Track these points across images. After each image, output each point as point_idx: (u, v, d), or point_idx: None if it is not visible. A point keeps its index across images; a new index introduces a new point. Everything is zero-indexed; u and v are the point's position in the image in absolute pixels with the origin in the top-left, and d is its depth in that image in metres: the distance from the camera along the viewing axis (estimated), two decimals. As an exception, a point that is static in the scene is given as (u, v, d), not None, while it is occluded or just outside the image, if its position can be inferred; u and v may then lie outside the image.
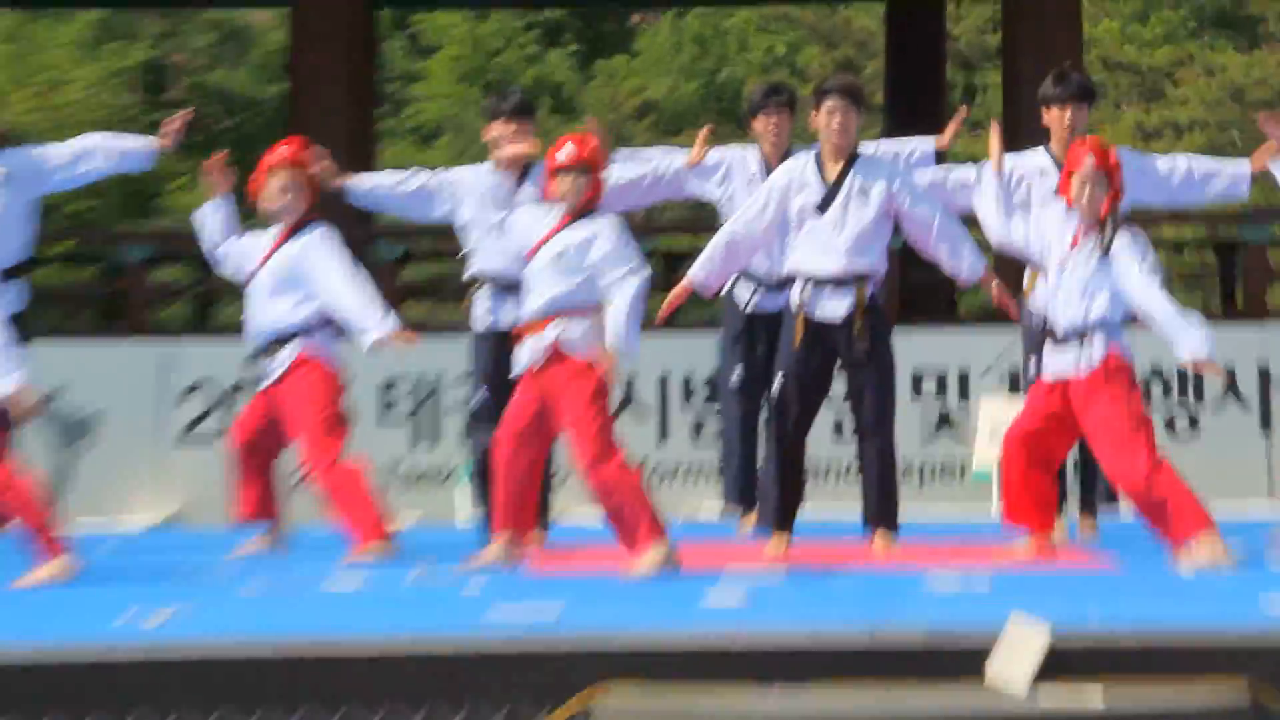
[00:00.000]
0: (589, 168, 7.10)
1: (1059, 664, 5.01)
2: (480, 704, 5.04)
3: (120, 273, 12.19)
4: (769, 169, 8.19)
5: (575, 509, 9.67)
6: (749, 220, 7.58)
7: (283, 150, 7.84)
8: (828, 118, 7.46)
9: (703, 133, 8.59)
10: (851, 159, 7.50)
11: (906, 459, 9.30)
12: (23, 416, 7.03)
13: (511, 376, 7.20)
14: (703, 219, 10.10)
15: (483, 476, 7.69)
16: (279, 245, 7.77)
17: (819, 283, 7.39)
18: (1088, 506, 8.16)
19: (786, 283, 7.60)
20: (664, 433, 10.51)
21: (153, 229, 22.38)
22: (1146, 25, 27.78)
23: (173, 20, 28.67)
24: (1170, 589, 6.33)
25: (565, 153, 7.09)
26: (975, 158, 17.67)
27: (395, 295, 11.80)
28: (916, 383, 10.47)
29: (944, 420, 10.52)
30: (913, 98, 17.46)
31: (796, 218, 7.49)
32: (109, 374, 10.56)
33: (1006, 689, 4.98)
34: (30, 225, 7.88)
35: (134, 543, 8.66)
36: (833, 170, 7.49)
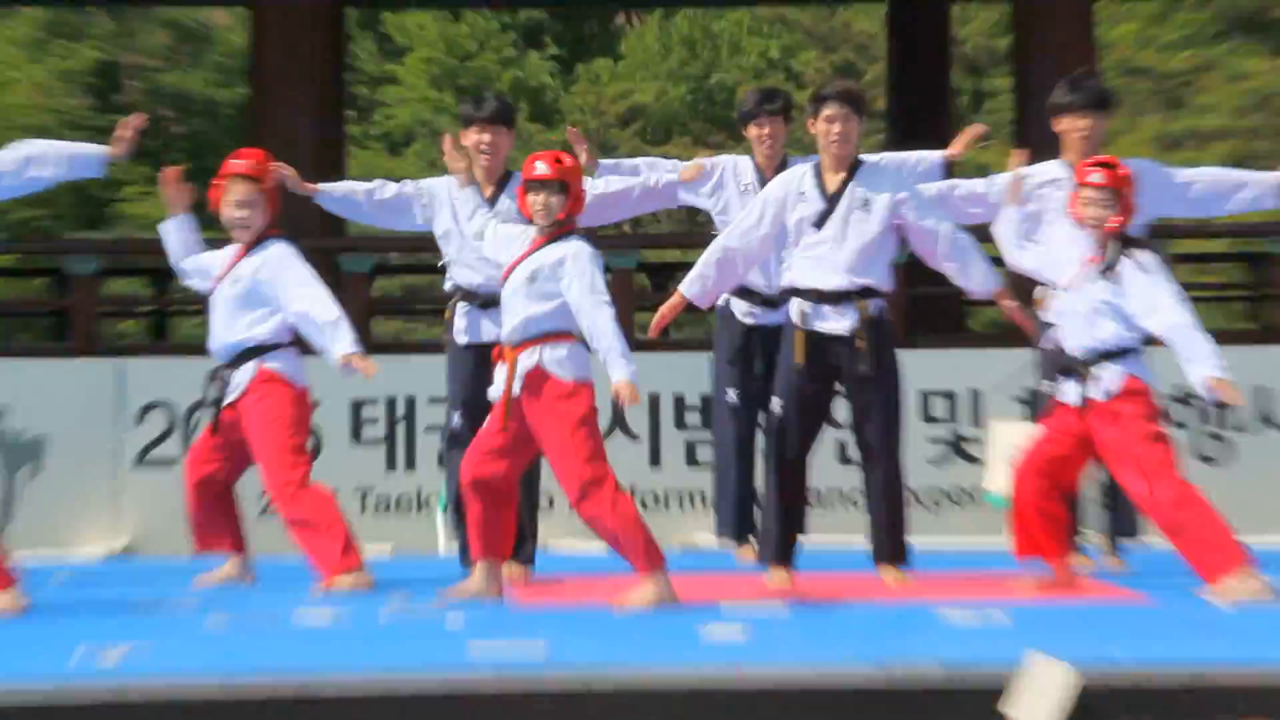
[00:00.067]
0: (564, 186, 7.01)
1: (1086, 706, 4.97)
2: (463, 747, 5.00)
3: (70, 286, 12.12)
4: (764, 178, 8.17)
5: (563, 539, 9.64)
6: (744, 233, 7.55)
7: (239, 164, 7.80)
8: (827, 125, 7.42)
9: (697, 163, 8.60)
10: (853, 169, 7.47)
11: (916, 485, 9.27)
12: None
13: (489, 399, 7.15)
14: (694, 232, 10.04)
15: (460, 504, 7.65)
16: (238, 260, 7.74)
17: (819, 299, 7.36)
18: (1113, 536, 8.15)
19: (785, 297, 7.57)
20: (655, 458, 10.46)
21: (104, 239, 22.35)
22: (1166, 28, 27.82)
23: (123, 19, 28.67)
24: (1205, 625, 6.29)
25: (539, 168, 7.03)
26: (983, 168, 17.71)
27: (364, 310, 11.77)
28: (925, 403, 10.44)
29: (955, 444, 10.48)
30: (916, 104, 17.51)
31: (795, 231, 7.45)
32: (59, 393, 10.48)
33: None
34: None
35: (87, 575, 8.59)
36: (833, 181, 7.45)
